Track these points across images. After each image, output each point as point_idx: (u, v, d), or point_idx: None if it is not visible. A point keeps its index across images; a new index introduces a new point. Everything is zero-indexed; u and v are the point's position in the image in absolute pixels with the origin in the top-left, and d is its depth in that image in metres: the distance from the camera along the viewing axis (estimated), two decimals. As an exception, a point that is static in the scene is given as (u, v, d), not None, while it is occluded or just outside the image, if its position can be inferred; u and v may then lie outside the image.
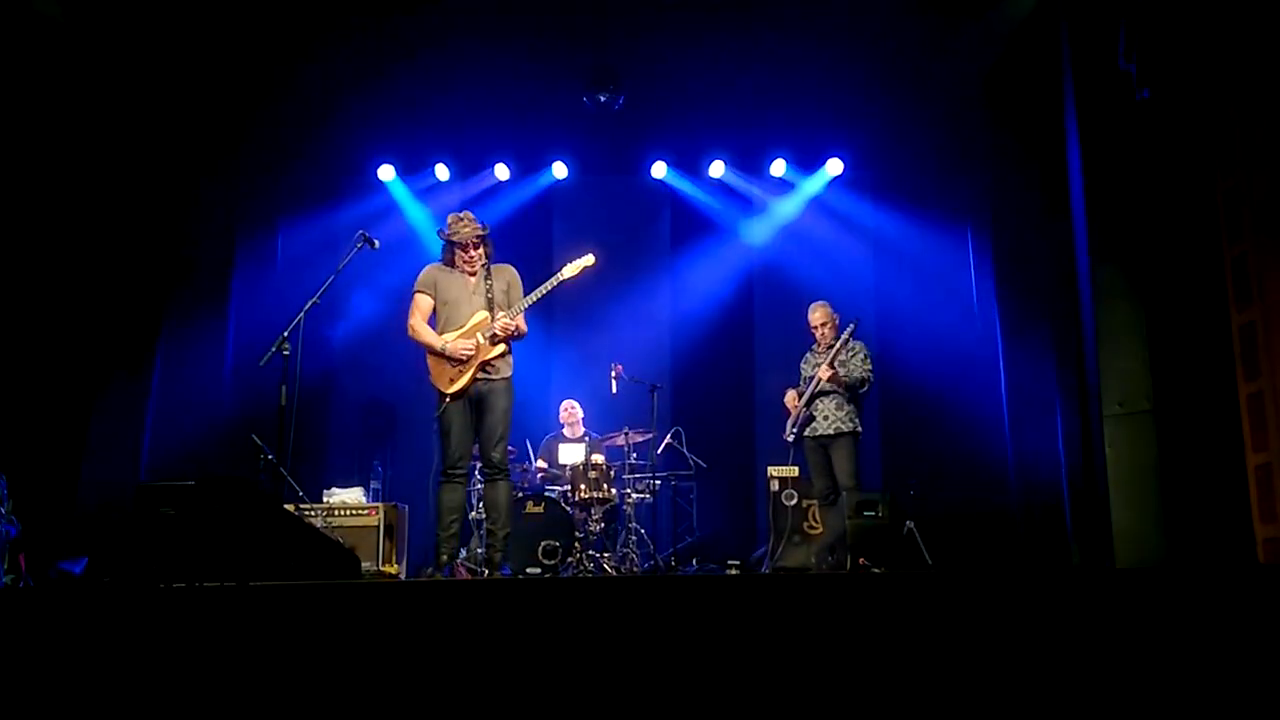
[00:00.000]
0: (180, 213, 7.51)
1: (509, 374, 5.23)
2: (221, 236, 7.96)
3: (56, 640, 3.13)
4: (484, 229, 5.27)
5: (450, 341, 5.12)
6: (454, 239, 5.22)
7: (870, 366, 6.38)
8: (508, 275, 5.31)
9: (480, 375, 5.14)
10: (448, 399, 5.13)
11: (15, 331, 6.41)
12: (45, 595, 4.03)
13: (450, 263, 5.28)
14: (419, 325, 5.22)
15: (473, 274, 5.26)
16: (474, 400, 5.17)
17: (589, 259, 5.33)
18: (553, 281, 5.24)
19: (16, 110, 6.24)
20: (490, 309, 5.17)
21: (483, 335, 5.13)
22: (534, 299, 5.20)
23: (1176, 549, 4.98)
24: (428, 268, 5.34)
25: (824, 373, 6.24)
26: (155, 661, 3.04)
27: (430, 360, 5.21)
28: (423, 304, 5.25)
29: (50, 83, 6.41)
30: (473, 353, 5.10)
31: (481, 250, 5.27)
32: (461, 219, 5.25)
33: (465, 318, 5.19)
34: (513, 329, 5.14)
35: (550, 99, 7.85)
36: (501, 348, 5.15)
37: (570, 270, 5.28)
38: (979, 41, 6.82)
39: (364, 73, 7.40)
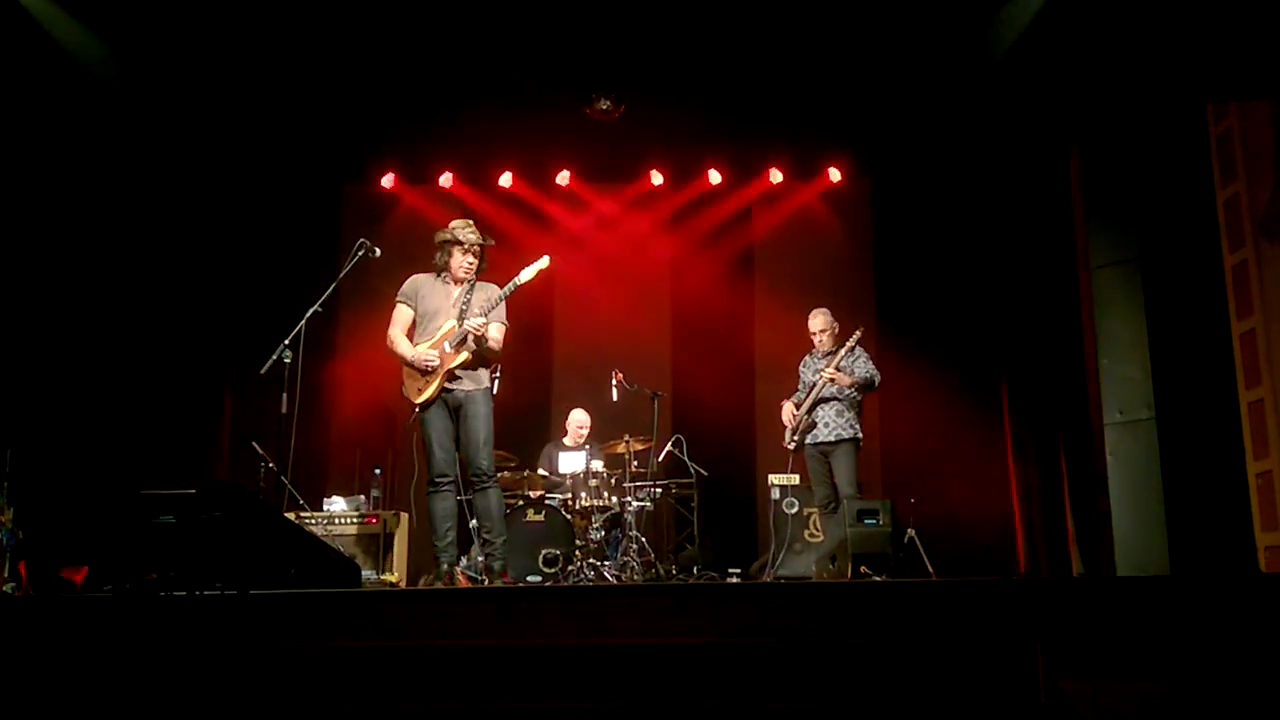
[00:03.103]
0: (180, 221, 7.51)
1: (484, 385, 5.19)
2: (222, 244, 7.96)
3: (57, 649, 3.13)
4: (488, 242, 5.26)
5: (418, 351, 5.09)
6: (459, 239, 5.18)
7: (874, 369, 6.41)
8: (489, 290, 5.25)
9: (448, 385, 5.10)
10: (417, 409, 5.12)
11: (14, 337, 6.42)
12: (46, 604, 4.03)
13: (445, 266, 5.23)
14: (396, 336, 5.19)
15: (459, 283, 5.24)
16: (450, 409, 5.14)
17: (544, 261, 5.23)
18: (510, 287, 5.17)
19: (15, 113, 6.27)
20: (462, 321, 5.13)
21: (449, 344, 5.09)
22: (496, 303, 5.13)
23: (1178, 557, 4.98)
24: (411, 278, 5.31)
25: (831, 373, 6.25)
26: (155, 670, 3.04)
27: (404, 371, 5.18)
28: (402, 315, 5.22)
29: (46, 81, 6.43)
30: (437, 362, 5.07)
31: (477, 262, 5.25)
32: (468, 225, 5.24)
33: (437, 329, 5.16)
34: (481, 334, 5.03)
35: (550, 108, 7.85)
36: (466, 356, 5.08)
37: (527, 274, 5.18)
38: (977, 50, 6.83)
39: (365, 78, 7.40)
